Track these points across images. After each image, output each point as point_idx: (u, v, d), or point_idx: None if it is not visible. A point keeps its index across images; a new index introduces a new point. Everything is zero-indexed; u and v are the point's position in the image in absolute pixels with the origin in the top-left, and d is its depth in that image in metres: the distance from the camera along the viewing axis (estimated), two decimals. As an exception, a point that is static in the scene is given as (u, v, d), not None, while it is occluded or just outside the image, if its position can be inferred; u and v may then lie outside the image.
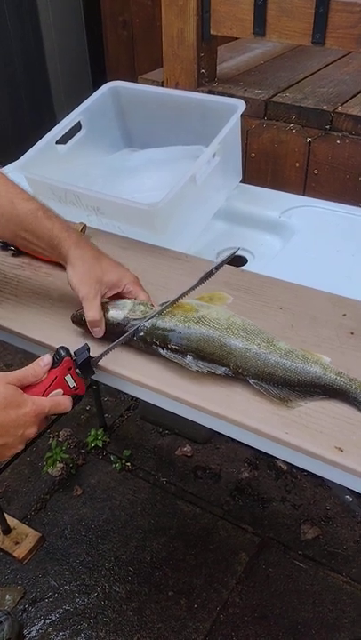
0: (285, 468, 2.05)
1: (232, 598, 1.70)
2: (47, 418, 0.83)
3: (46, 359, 0.84)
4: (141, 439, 2.18)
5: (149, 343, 0.90)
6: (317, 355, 0.85)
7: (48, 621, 1.67)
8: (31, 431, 0.79)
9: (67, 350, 0.86)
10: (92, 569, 1.78)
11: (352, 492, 0.87)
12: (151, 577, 1.75)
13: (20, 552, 1.80)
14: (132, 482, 2.02)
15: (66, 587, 1.74)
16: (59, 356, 0.85)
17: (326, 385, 0.82)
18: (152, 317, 0.91)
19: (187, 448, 2.12)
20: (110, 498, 1.97)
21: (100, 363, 0.92)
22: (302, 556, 1.80)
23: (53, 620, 1.67)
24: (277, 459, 2.04)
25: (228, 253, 0.94)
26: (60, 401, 0.83)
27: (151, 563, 1.79)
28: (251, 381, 0.84)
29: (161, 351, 0.89)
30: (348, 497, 0.88)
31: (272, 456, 2.04)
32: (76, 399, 0.87)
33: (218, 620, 1.66)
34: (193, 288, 0.92)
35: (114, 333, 0.93)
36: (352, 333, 0.94)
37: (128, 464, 2.07)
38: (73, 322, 0.98)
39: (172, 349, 0.88)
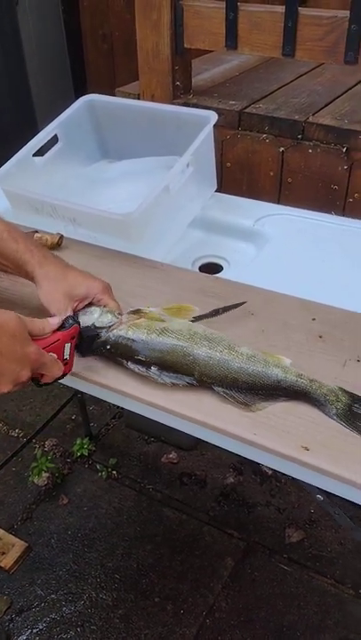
0: (270, 472, 2.07)
1: (218, 603, 1.71)
2: (33, 376, 0.82)
3: (55, 320, 0.87)
4: (127, 447, 2.19)
5: (115, 354, 0.92)
6: (278, 357, 0.87)
7: (35, 631, 1.67)
8: (25, 374, 0.78)
9: (75, 320, 0.89)
10: (78, 577, 1.79)
11: (322, 492, 0.89)
12: (137, 584, 1.76)
13: (6, 562, 1.80)
14: (118, 490, 2.03)
15: (53, 595, 1.75)
16: (68, 322, 0.88)
17: (288, 387, 0.85)
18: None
19: (172, 455, 2.14)
20: (96, 506, 1.98)
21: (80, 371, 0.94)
22: (287, 559, 1.81)
23: (40, 630, 1.67)
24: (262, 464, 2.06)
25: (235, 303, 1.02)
26: (55, 362, 0.84)
27: (137, 570, 1.80)
28: (216, 389, 0.87)
29: (125, 364, 0.91)
30: (318, 496, 0.90)
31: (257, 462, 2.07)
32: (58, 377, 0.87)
33: (204, 624, 1.67)
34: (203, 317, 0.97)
35: (84, 342, 0.95)
36: (321, 337, 0.97)
37: (114, 472, 2.08)
38: None
39: (136, 361, 0.90)
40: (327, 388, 0.84)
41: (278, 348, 0.94)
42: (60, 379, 0.87)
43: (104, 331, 0.94)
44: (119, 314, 0.97)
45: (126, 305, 1.02)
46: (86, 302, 0.99)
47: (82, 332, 0.92)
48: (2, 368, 0.75)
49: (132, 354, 0.91)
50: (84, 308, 0.98)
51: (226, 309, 1.00)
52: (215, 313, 0.99)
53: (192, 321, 0.95)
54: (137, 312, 0.96)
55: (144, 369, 0.89)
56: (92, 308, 0.97)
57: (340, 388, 0.85)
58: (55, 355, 0.85)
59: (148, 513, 1.95)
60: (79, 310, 0.98)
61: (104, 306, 0.98)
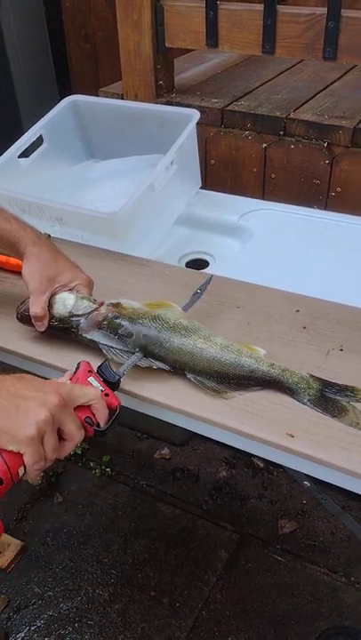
0: (262, 465, 2.10)
1: (213, 595, 1.74)
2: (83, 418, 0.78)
3: (66, 373, 0.85)
4: (120, 444, 2.21)
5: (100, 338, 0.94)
6: (252, 347, 0.90)
7: (33, 628, 1.69)
8: (43, 412, 0.71)
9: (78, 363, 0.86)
10: (74, 574, 1.80)
11: (310, 479, 0.91)
12: (133, 578, 1.78)
13: (2, 561, 1.81)
14: (112, 487, 2.05)
15: (50, 593, 1.76)
16: (77, 366, 0.85)
17: (260, 377, 0.87)
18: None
19: (165, 451, 2.16)
20: (91, 504, 2.00)
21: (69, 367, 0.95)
22: (281, 549, 1.84)
23: (38, 627, 1.69)
24: (254, 456, 2.09)
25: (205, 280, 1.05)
26: (85, 386, 0.80)
27: (133, 564, 1.82)
28: (188, 375, 0.89)
29: (106, 350, 0.92)
30: (306, 483, 0.93)
31: (249, 454, 2.09)
32: (111, 413, 0.83)
33: (200, 616, 1.69)
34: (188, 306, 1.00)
35: (55, 328, 0.97)
36: (304, 328, 0.99)
37: (108, 469, 2.10)
38: (17, 319, 1.00)
39: (119, 344, 0.92)
40: (299, 376, 0.87)
41: (263, 340, 0.97)
42: (113, 417, 0.83)
43: (82, 318, 0.95)
44: (95, 300, 0.98)
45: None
46: (65, 289, 0.98)
47: (59, 320, 0.92)
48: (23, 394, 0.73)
49: (115, 338, 0.92)
50: (57, 294, 0.97)
51: (202, 288, 1.02)
52: (196, 296, 1.01)
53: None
54: (117, 305, 0.97)
55: (126, 356, 0.90)
56: (65, 294, 0.97)
57: (311, 375, 0.87)
58: None
59: (142, 508, 1.97)
60: (54, 295, 0.97)
61: (77, 291, 0.98)
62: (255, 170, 1.57)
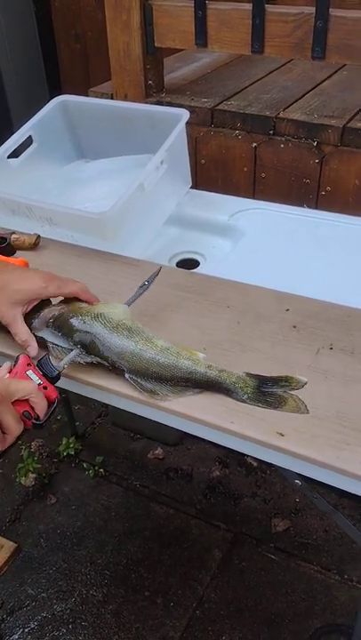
0: (255, 464, 2.10)
1: (207, 594, 1.74)
2: (20, 413, 0.80)
3: (5, 365, 0.86)
4: (113, 445, 2.21)
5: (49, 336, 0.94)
6: (192, 351, 0.90)
7: (27, 630, 1.68)
8: None
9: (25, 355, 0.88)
10: (68, 575, 1.80)
11: (301, 477, 0.91)
12: (127, 579, 1.78)
13: (-4, 563, 1.81)
14: (106, 487, 2.05)
15: (43, 594, 1.76)
16: (16, 359, 0.86)
17: (198, 378, 0.87)
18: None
19: (158, 451, 2.16)
20: (84, 504, 1.99)
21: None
22: (274, 548, 1.84)
23: (32, 629, 1.68)
24: (247, 455, 2.09)
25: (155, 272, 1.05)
26: (22, 381, 0.81)
27: (127, 565, 1.82)
28: (126, 376, 0.89)
29: (50, 347, 0.93)
30: (297, 481, 0.93)
31: (242, 454, 2.09)
32: (50, 405, 0.84)
33: (194, 616, 1.69)
34: (134, 299, 1.00)
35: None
36: (294, 327, 0.99)
37: (101, 470, 2.10)
38: None
39: (65, 344, 0.92)
40: (236, 376, 0.87)
41: (253, 339, 0.97)
42: (50, 411, 0.84)
43: (35, 319, 0.95)
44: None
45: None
46: (36, 302, 0.97)
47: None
48: None
49: (59, 336, 0.93)
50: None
51: (150, 281, 1.02)
52: (143, 288, 1.01)
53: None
54: (65, 302, 0.97)
55: (65, 352, 0.91)
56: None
57: (248, 374, 0.88)
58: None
59: (135, 509, 1.97)
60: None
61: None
62: (245, 169, 1.57)
